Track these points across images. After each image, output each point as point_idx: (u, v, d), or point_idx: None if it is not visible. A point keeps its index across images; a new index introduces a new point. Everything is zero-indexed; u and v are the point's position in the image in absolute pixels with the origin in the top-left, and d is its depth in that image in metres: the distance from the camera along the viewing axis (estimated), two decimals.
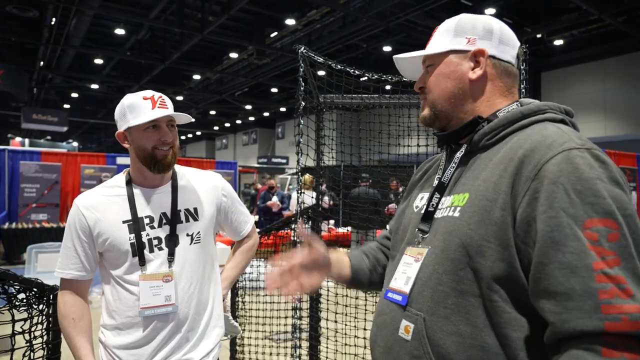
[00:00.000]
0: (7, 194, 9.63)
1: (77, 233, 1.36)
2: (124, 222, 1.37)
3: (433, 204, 0.97)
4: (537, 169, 0.80)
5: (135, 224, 1.36)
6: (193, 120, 1.45)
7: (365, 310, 2.78)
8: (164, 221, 1.40)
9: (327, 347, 2.71)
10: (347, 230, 5.92)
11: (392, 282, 1.01)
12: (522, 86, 2.51)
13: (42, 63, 14.53)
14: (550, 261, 0.75)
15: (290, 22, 11.95)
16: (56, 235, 7.55)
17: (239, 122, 26.64)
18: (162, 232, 1.39)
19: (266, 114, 23.80)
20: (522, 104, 0.98)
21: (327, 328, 2.74)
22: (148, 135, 1.36)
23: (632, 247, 0.73)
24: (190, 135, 31.58)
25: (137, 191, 1.42)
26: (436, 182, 1.02)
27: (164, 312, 1.34)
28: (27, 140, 19.94)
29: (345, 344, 2.77)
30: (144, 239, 1.36)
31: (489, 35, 0.98)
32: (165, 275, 1.35)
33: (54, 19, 11.13)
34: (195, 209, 1.47)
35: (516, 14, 10.65)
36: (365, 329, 2.66)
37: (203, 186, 1.53)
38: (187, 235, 1.42)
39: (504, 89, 0.98)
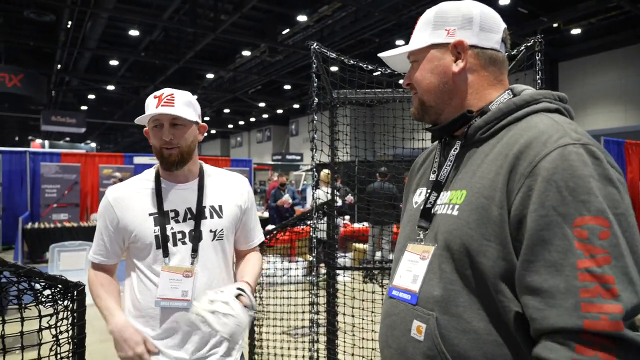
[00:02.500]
0: (29, 194, 9.88)
1: (105, 223, 1.43)
2: (150, 214, 1.41)
3: (430, 202, 0.97)
4: (532, 166, 0.79)
5: (161, 217, 1.39)
6: (193, 119, 1.44)
7: (382, 304, 2.78)
8: (189, 216, 1.43)
9: (344, 342, 2.72)
10: (364, 226, 5.88)
11: (397, 280, 0.99)
12: (537, 77, 2.48)
13: (59, 66, 14.81)
14: (537, 259, 0.76)
15: (302, 18, 11.93)
16: (77, 234, 7.72)
17: (252, 119, 26.76)
18: (187, 227, 1.42)
19: (280, 111, 23.86)
20: (514, 91, 0.97)
21: (345, 323, 2.76)
22: (154, 134, 1.42)
23: (623, 245, 0.72)
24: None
25: (164, 185, 1.46)
26: (432, 177, 1.02)
27: (179, 307, 1.36)
28: (47, 142, 20.33)
29: (363, 339, 2.78)
30: (169, 232, 1.39)
31: (469, 23, 0.95)
32: (186, 270, 1.38)
33: (69, 23, 11.32)
34: (220, 207, 1.49)
35: (531, 2, 10.45)
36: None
37: (230, 186, 1.56)
38: (211, 231, 1.45)
39: (491, 77, 0.96)
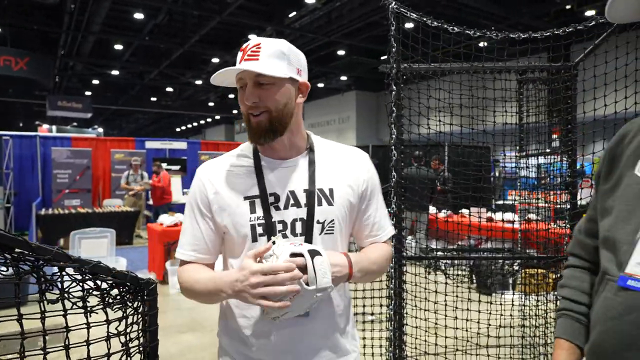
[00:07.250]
0: (40, 180, 9.72)
1: (199, 208, 1.15)
2: (245, 198, 1.12)
3: None
4: None
5: (262, 202, 1.11)
6: (285, 76, 1.09)
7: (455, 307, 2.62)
8: (291, 202, 1.13)
9: (415, 337, 2.54)
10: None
11: (634, 268, 0.85)
12: None
13: (63, 51, 14.53)
14: None
15: (310, 0, 11.59)
16: (92, 220, 7.53)
17: None
18: (290, 215, 1.13)
19: None
20: None
21: (415, 317, 2.57)
22: (239, 97, 1.11)
23: None
24: (209, 120, 31.53)
25: (264, 163, 1.16)
26: None
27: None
28: (54, 127, 20.10)
29: (428, 333, 2.59)
30: (275, 220, 1.11)
31: None
32: None
33: (72, 5, 11.02)
34: (331, 190, 1.16)
35: None
36: (455, 328, 2.51)
37: (345, 163, 1.21)
38: (318, 222, 1.13)
39: None
